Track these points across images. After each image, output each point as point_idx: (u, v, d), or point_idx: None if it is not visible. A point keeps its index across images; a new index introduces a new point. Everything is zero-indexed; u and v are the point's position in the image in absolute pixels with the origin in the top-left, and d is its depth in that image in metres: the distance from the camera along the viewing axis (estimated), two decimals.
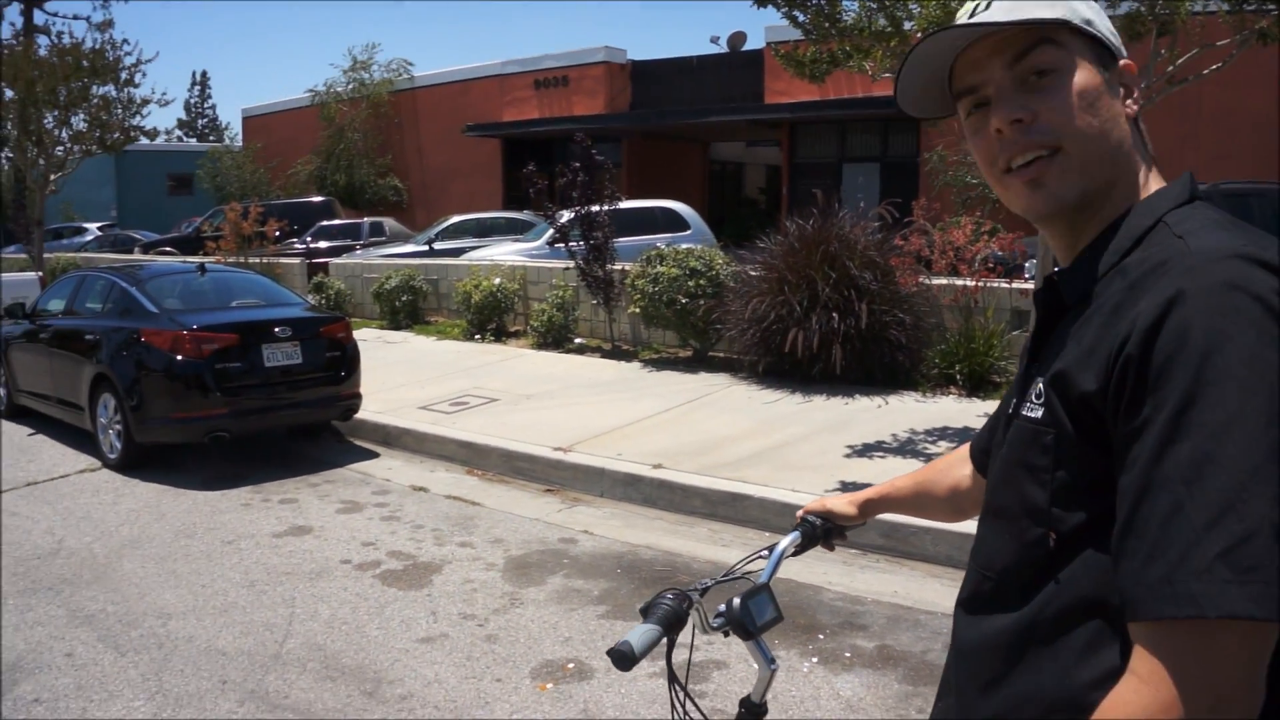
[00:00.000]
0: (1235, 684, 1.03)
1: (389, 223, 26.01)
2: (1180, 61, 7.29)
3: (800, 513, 2.08)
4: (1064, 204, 1.34)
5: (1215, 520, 1.02)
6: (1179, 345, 1.09)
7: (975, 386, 9.60)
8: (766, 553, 2.02)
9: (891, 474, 7.01)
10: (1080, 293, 1.30)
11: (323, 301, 16.45)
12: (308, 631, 5.24)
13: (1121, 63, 1.38)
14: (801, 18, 7.56)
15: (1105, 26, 1.38)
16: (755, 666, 1.91)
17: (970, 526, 5.01)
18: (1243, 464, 1.03)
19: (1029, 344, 1.44)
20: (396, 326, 15.68)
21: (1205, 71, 7.41)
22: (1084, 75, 1.32)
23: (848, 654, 4.83)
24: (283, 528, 6.99)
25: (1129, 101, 1.36)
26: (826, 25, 7.51)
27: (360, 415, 9.43)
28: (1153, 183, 1.35)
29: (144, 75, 34.30)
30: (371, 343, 13.54)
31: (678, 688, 1.82)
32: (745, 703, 1.88)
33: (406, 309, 15.73)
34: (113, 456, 8.65)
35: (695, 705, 1.81)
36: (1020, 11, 1.33)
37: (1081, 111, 1.31)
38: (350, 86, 33.97)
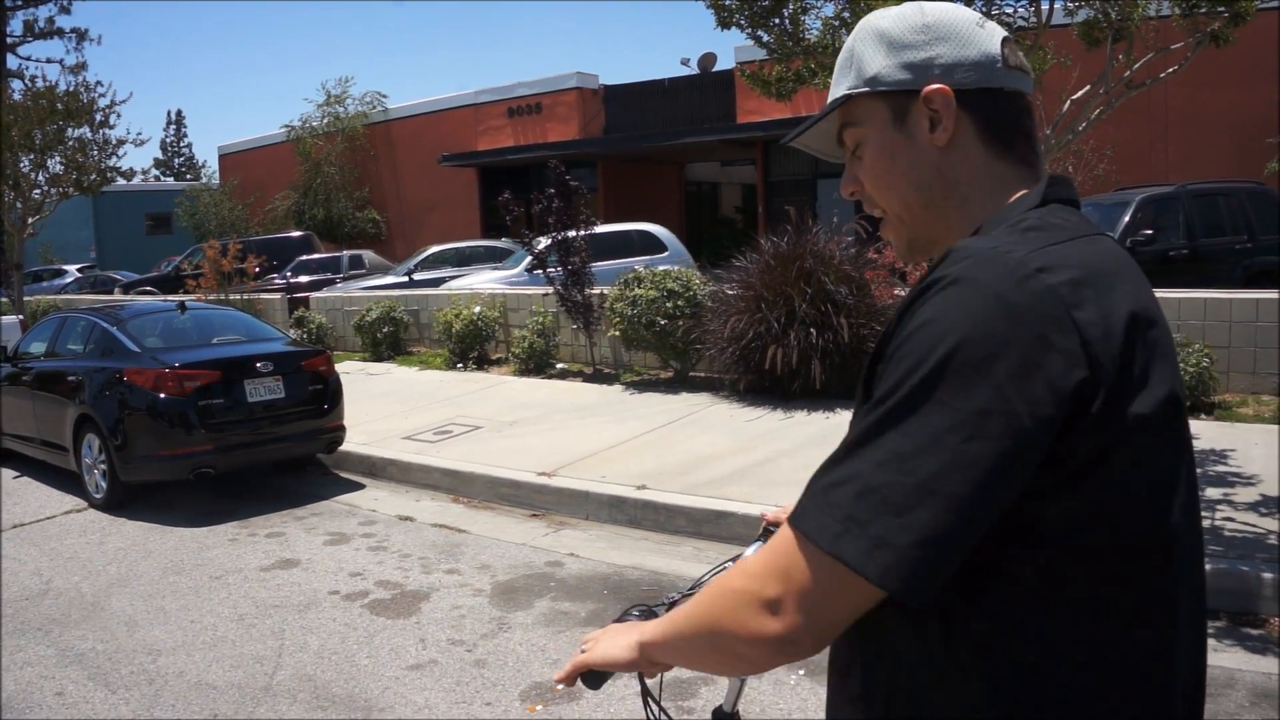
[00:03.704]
0: (798, 594, 1.17)
1: (368, 255, 26.06)
2: (1137, 66, 7.40)
3: (764, 522, 2.11)
4: (906, 254, 1.46)
5: (864, 491, 1.14)
6: (910, 333, 1.16)
7: None
8: (731, 564, 2.05)
9: None
10: None
11: (304, 336, 16.47)
12: (297, 663, 5.27)
13: (924, 91, 1.35)
14: (766, 38, 7.65)
15: (896, 64, 1.38)
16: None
17: None
18: (918, 458, 1.12)
19: None
20: (379, 358, 15.71)
21: (1162, 75, 7.53)
22: (877, 142, 1.40)
23: None
24: (270, 561, 7.02)
25: (938, 132, 1.35)
26: (790, 44, 7.60)
27: (345, 447, 9.46)
28: (1022, 191, 1.36)
29: (119, 116, 34.39)
30: (354, 375, 13.57)
31: (652, 702, 1.86)
32: (717, 713, 1.92)
33: (388, 340, 15.77)
34: (99, 496, 8.67)
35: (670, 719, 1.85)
36: (834, 92, 1.45)
37: (880, 180, 1.41)
38: (325, 120, 34.08)
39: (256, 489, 9.13)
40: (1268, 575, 5.37)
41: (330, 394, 9.23)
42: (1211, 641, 5.03)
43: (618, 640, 1.53)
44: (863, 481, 1.14)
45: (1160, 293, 9.00)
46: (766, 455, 8.28)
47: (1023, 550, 1.16)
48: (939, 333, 1.14)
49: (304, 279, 23.09)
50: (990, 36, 1.37)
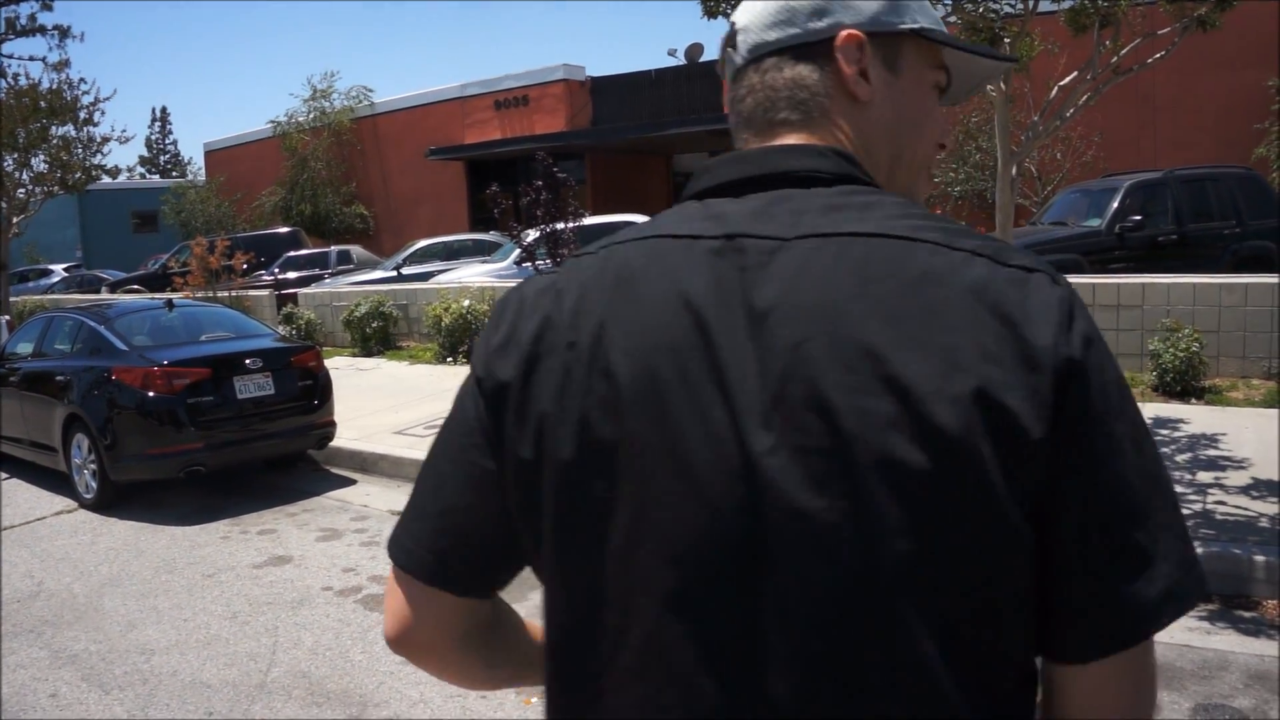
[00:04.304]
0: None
1: (356, 250, 25.98)
2: (1125, 52, 7.42)
3: None
4: None
5: (411, 493, 1.26)
6: None
7: None
8: None
9: None
10: None
11: (293, 332, 16.42)
12: (292, 660, 5.26)
13: None
14: None
15: None
16: None
17: None
18: (430, 455, 1.22)
19: None
20: (368, 353, 15.68)
21: (1150, 60, 7.54)
22: None
23: None
24: (263, 558, 7.00)
25: None
26: None
27: (335, 443, 9.44)
28: None
29: (103, 113, 34.25)
30: (344, 370, 13.54)
31: None
32: None
33: (377, 335, 15.73)
34: (89, 496, 8.63)
35: None
36: None
37: None
38: (311, 116, 33.97)
39: (248, 486, 9.10)
40: (1260, 558, 5.39)
41: (320, 390, 9.20)
42: (1204, 624, 5.07)
43: None
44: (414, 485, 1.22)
45: (1149, 278, 9.08)
46: None
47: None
48: None
49: (292, 275, 22.99)
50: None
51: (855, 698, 0.97)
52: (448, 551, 1.16)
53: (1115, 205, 13.23)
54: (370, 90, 34.36)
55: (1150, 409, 8.87)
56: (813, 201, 1.07)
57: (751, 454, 0.98)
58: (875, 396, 0.96)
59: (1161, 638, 1.22)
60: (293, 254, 25.18)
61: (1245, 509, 6.16)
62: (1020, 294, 0.98)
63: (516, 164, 27.37)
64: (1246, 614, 5.19)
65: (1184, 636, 4.93)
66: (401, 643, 1.22)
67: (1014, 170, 7.52)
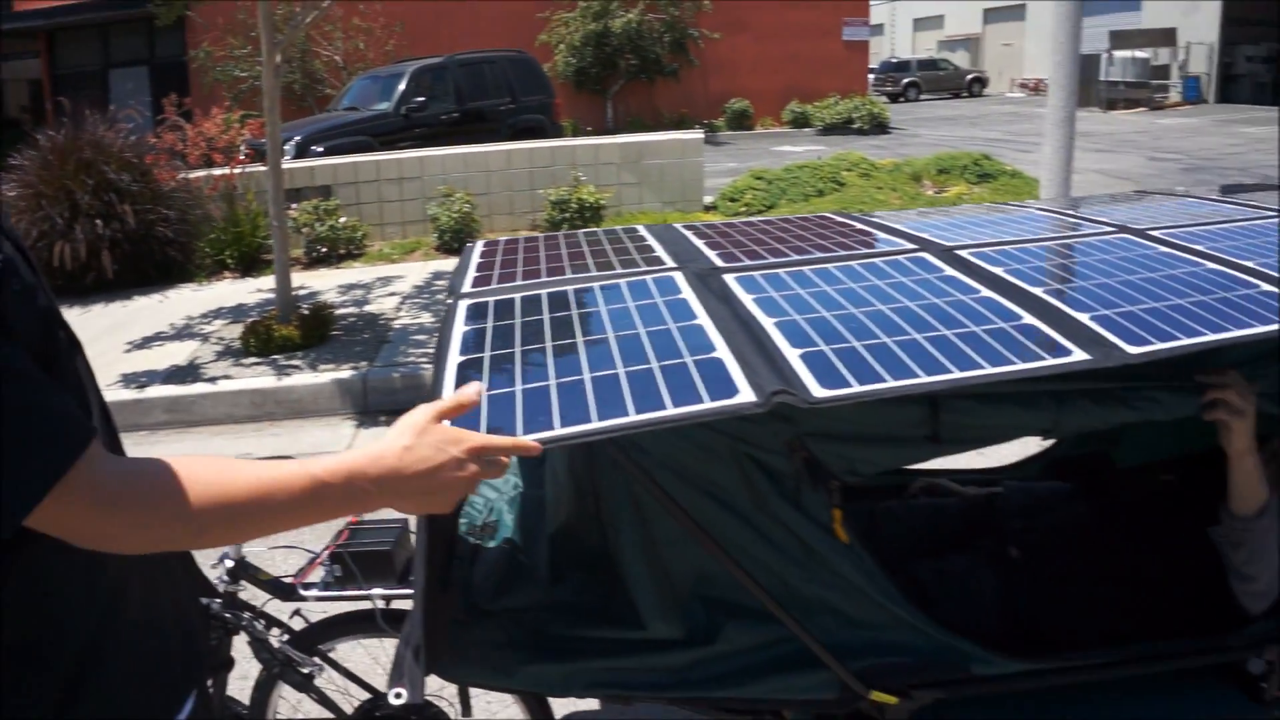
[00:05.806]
0: None
1: None
2: None
3: None
4: None
5: None
6: None
7: (248, 267, 10.28)
8: None
9: (170, 359, 7.52)
10: None
11: None
12: None
13: None
14: None
15: None
16: None
17: (252, 383, 5.92)
18: None
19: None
20: None
21: None
22: None
23: None
24: None
25: None
26: None
27: None
28: None
29: None
30: None
31: None
32: None
33: None
34: None
35: None
36: None
37: None
38: None
39: None
40: None
41: None
42: None
43: None
44: None
45: (426, 151, 10.34)
46: None
47: None
48: None
49: None
50: None
51: None
52: None
53: (402, 88, 14.38)
54: None
55: (433, 265, 10.09)
56: None
57: None
58: None
59: None
60: None
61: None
62: None
63: None
64: None
65: None
66: None
67: (278, 58, 8.04)
